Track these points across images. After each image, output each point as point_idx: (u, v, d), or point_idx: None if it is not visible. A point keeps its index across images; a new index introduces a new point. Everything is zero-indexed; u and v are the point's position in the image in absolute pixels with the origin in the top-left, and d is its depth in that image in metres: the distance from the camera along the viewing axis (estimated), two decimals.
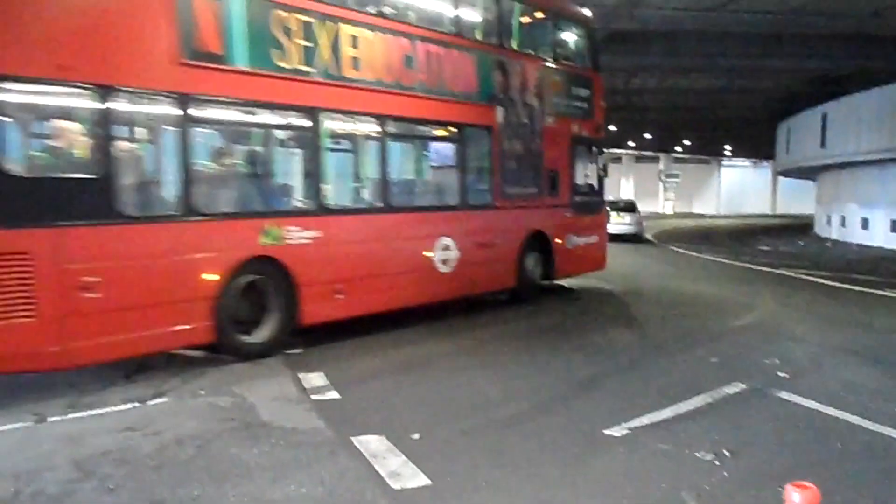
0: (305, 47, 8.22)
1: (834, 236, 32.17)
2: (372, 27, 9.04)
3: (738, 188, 79.22)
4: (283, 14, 7.96)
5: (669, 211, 67.03)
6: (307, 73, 8.27)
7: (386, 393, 6.72)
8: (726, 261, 20.36)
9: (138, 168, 7.39)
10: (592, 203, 13.59)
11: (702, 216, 65.27)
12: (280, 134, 8.94)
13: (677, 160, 71.69)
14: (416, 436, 5.41)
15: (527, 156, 11.67)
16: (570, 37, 12.99)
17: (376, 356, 8.19)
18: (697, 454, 5.15)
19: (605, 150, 13.98)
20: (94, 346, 6.49)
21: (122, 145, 7.00)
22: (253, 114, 8.24)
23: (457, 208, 10.46)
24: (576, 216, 12.93)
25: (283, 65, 7.99)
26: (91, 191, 6.47)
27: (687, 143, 65.34)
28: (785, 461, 5.15)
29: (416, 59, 9.64)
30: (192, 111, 7.23)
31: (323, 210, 8.48)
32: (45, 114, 6.70)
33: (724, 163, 79.27)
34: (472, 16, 10.78)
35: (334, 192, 8.87)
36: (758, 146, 61.71)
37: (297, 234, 8.14)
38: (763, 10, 19.05)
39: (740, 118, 50.15)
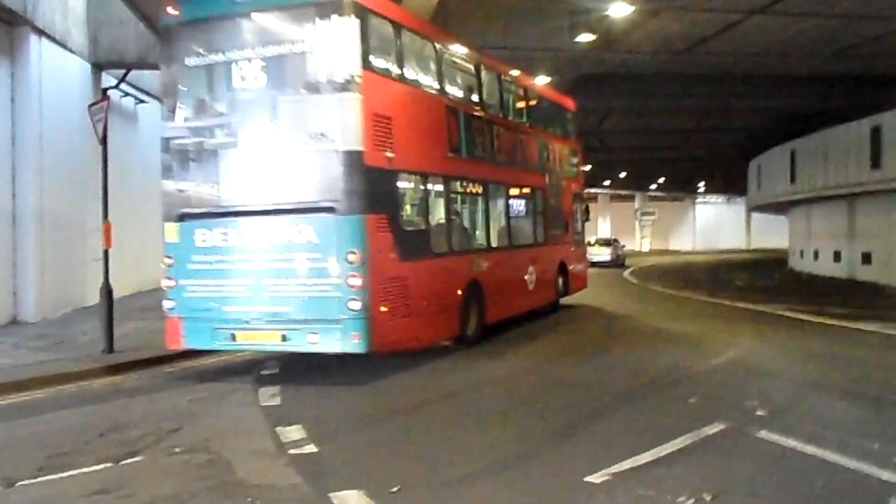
0: (481, 141, 12.58)
1: (808, 270, 32.48)
2: (503, 125, 13.64)
3: (713, 224, 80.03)
4: (475, 121, 12.34)
5: (646, 248, 67.47)
6: (482, 158, 12.59)
7: (365, 444, 6.63)
8: (704, 298, 20.46)
9: (436, 223, 11.06)
10: (581, 240, 18.75)
11: (678, 252, 65.75)
12: (473, 198, 12.76)
13: (652, 198, 72.43)
14: (396, 489, 5.31)
15: (556, 207, 16.27)
16: (567, 119, 17.74)
17: (357, 405, 8.11)
18: (679, 500, 5.09)
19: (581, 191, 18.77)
20: (426, 335, 10.45)
21: (429, 208, 10.79)
22: (466, 186, 12.32)
23: (533, 245, 14.99)
24: (575, 250, 17.90)
25: (476, 153, 12.34)
26: (422, 238, 10.42)
27: (661, 180, 66.04)
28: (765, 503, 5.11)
29: (518, 144, 14.27)
30: (450, 186, 11.50)
31: (489, 248, 12.79)
32: (408, 190, 10.41)
33: (699, 200, 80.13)
34: (536, 110, 15.58)
35: (492, 237, 13.02)
36: (730, 183, 62.46)
37: (484, 264, 12.29)
38: (727, 51, 19.40)
39: (712, 156, 50.82)
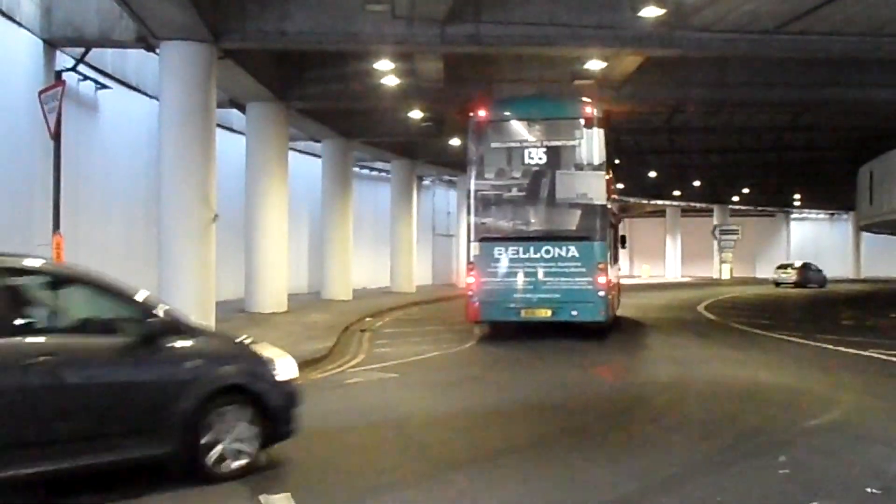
0: (611, 189, 20.82)
1: None
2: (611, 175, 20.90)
3: (812, 246, 79.20)
4: (613, 176, 21.14)
5: (726, 275, 66.88)
6: (612, 201, 21.06)
7: None
8: (799, 340, 20.26)
9: (610, 246, 20.17)
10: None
11: (767, 282, 65.12)
12: (611, 230, 21.09)
13: (735, 213, 71.88)
14: None
15: (615, 235, 23.45)
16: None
17: (361, 468, 8.09)
18: None
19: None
20: (613, 316, 20.37)
21: (608, 237, 19.62)
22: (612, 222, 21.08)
23: (615, 264, 22.73)
24: (619, 270, 26.36)
25: (611, 199, 20.94)
26: (610, 256, 19.77)
27: (746, 191, 65.57)
28: None
29: (612, 188, 21.64)
30: (612, 222, 21.19)
31: (613, 264, 21.25)
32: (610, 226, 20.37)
33: (794, 215, 79.44)
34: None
35: (613, 256, 21.47)
36: (835, 195, 61.94)
37: (613, 274, 21.16)
38: (832, 31, 19.21)
39: (811, 161, 50.42)
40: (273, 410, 7.73)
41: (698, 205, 69.08)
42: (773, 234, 79.30)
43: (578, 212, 18.71)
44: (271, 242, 24.95)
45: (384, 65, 21.49)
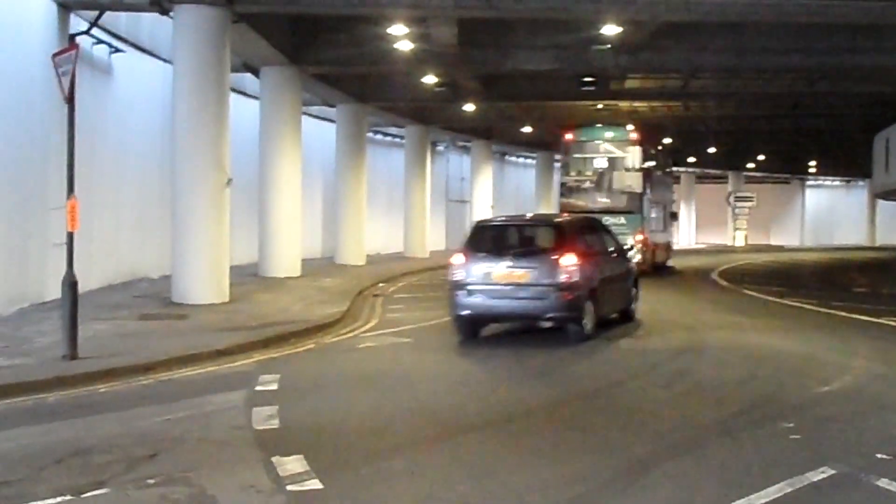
0: (659, 180, 35.15)
1: None
2: (657, 172, 34.03)
3: (827, 214, 78.75)
4: (654, 173, 32.97)
5: (740, 242, 66.57)
6: (658, 189, 33.75)
7: (381, 481, 6.66)
8: (812, 307, 20.20)
9: (651, 218, 31.44)
10: (672, 230, 38.22)
11: (781, 249, 64.93)
12: (657, 206, 32.67)
13: (750, 180, 71.41)
14: None
15: (668, 212, 35.96)
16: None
17: (373, 430, 8.14)
18: None
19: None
20: (647, 264, 28.68)
21: (647, 212, 31.15)
22: (656, 201, 32.44)
23: (665, 230, 34.97)
24: (671, 237, 37.67)
25: (656, 188, 32.81)
26: (648, 224, 30.45)
27: (761, 158, 65.12)
28: None
29: (663, 180, 36.23)
30: (651, 200, 31.52)
31: (661, 231, 33.79)
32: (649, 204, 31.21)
33: (809, 182, 78.81)
34: (660, 156, 35.41)
35: (659, 225, 33.14)
36: (851, 162, 61.35)
37: (660, 236, 33.52)
38: None
39: (828, 128, 49.98)
40: (637, 288, 16.93)
41: (713, 171, 68.69)
42: (788, 201, 78.73)
43: (626, 196, 29.50)
44: (285, 207, 24.93)
45: (398, 29, 21.30)
